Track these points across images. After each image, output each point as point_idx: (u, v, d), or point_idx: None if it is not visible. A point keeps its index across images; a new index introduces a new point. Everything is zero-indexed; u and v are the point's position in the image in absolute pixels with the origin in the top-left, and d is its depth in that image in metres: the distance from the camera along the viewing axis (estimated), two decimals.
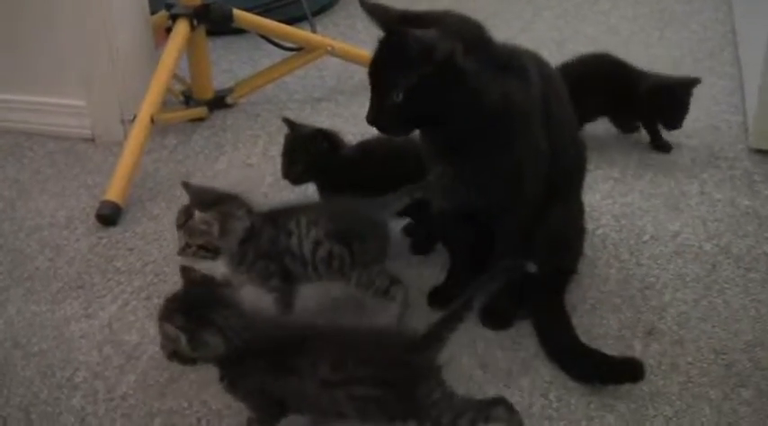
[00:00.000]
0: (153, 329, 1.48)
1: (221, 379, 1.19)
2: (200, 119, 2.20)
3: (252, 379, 1.17)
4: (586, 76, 1.88)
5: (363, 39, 2.38)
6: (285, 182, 1.64)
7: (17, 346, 1.48)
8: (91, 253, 1.70)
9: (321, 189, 1.65)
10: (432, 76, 1.25)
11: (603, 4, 2.87)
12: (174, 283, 1.56)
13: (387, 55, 1.29)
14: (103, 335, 1.49)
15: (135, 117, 1.97)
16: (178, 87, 2.26)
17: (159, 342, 1.17)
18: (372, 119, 1.31)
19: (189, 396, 1.35)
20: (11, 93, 2.19)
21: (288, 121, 1.64)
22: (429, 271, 1.58)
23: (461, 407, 1.14)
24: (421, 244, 1.66)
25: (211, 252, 1.39)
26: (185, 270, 1.20)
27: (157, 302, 1.51)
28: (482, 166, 1.35)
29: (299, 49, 2.33)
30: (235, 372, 1.18)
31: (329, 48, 2.30)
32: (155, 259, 1.67)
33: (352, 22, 2.71)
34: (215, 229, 1.35)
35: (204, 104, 2.22)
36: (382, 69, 1.30)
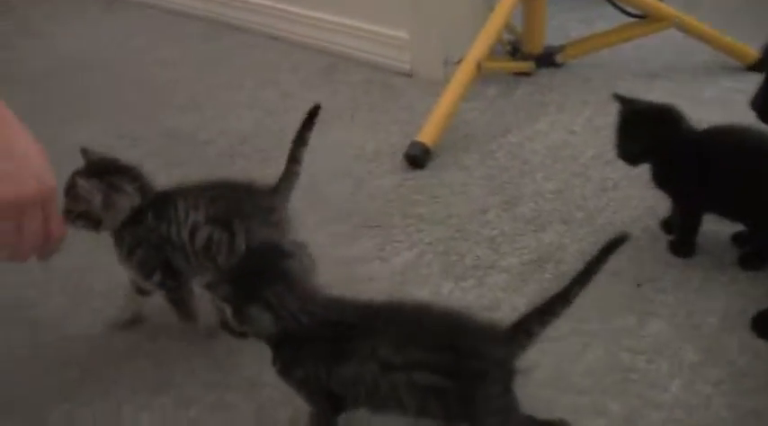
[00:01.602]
0: (446, 287, 1.36)
1: (274, 363, 1.04)
2: (525, 74, 2.06)
3: (307, 366, 1.02)
4: None
5: (708, 16, 2.12)
6: (607, 159, 1.46)
7: None
8: (393, 193, 1.60)
9: (656, 174, 1.45)
10: None
11: None
12: (475, 242, 1.45)
13: None
14: (393, 283, 1.39)
15: (460, 60, 1.85)
16: (507, 37, 2.12)
17: None
18: (759, 105, 1.11)
19: None
20: (335, 14, 2.14)
21: (620, 98, 1.44)
22: (759, 291, 1.36)
23: (519, 422, 0.98)
24: (753, 257, 1.43)
25: (92, 222, 1.22)
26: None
27: (455, 259, 1.41)
28: None
29: (641, 17, 2.12)
30: (288, 356, 1.03)
31: (676, 20, 2.08)
32: (458, 212, 1.55)
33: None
34: (97, 199, 1.20)
35: (532, 59, 2.07)
36: None
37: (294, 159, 1.28)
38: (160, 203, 1.23)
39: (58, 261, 1.31)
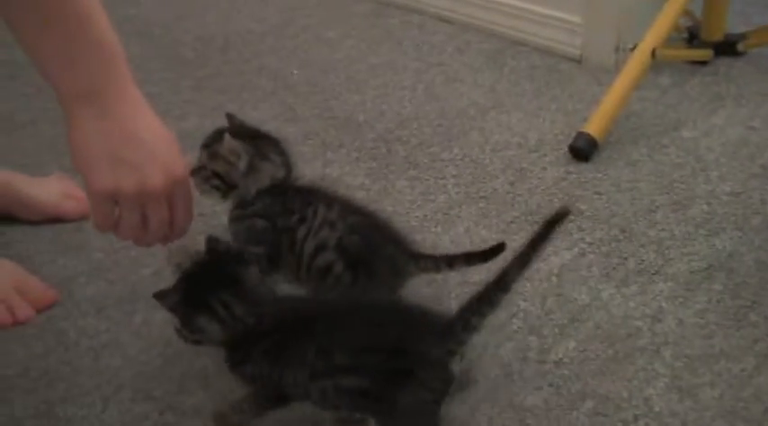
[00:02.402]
0: (606, 292, 1.29)
1: (225, 360, 1.02)
2: (702, 63, 1.93)
3: (253, 366, 1.01)
4: None
5: None
6: None
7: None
8: (555, 187, 1.53)
9: None
10: None
11: None
12: (641, 245, 1.37)
13: None
14: (550, 284, 1.32)
15: (633, 46, 1.75)
16: (684, 23, 2.00)
17: None
18: None
19: (630, 385, 1.14)
20: None
21: None
22: None
23: None
24: None
25: (224, 186, 1.17)
26: (210, 241, 1.02)
27: (617, 262, 1.33)
28: None
29: None
30: (237, 356, 1.02)
31: None
32: (624, 211, 1.46)
33: None
34: (242, 162, 1.15)
35: (710, 47, 1.94)
36: None
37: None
38: (304, 194, 1.19)
39: None
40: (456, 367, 0.96)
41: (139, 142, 1.02)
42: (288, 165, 1.21)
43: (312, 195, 1.19)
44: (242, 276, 1.01)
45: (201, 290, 1.00)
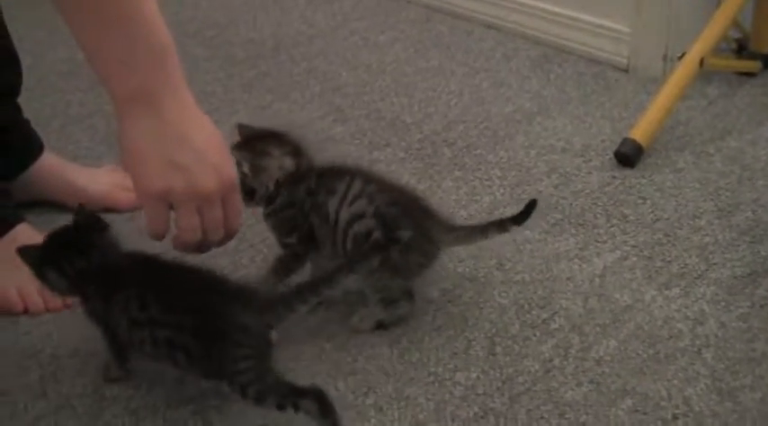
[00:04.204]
0: (648, 294, 1.30)
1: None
2: (750, 74, 1.93)
3: (90, 304, 1.14)
4: None
5: None
6: None
7: (501, 268, 1.37)
8: (600, 191, 1.54)
9: None
10: None
11: None
12: (684, 249, 1.37)
13: None
14: (592, 285, 1.33)
15: (682, 55, 1.75)
16: (733, 34, 2.00)
17: None
18: None
19: (670, 385, 1.15)
20: (555, 4, 2.08)
21: None
22: None
23: (271, 385, 1.05)
24: None
25: (246, 193, 1.22)
26: (78, 211, 1.15)
27: (660, 266, 1.34)
28: None
29: None
30: (87, 306, 1.15)
31: None
32: (668, 216, 1.47)
33: None
34: (246, 168, 1.20)
35: (759, 58, 1.94)
36: None
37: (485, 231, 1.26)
38: (334, 174, 1.24)
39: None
40: None
41: (190, 144, 1.04)
42: (296, 153, 1.25)
43: (344, 171, 1.24)
44: (94, 238, 1.14)
45: (55, 249, 1.14)
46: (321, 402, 1.05)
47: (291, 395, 1.05)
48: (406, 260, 1.21)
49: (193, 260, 1.14)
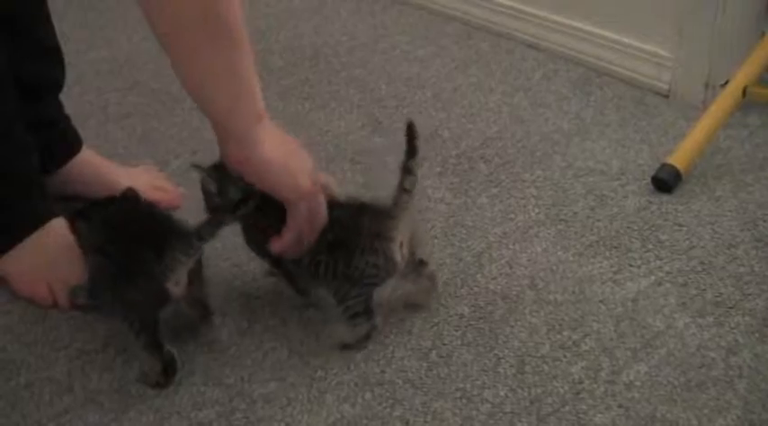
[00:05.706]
0: (681, 321, 1.28)
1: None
2: None
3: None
4: None
5: None
6: None
7: (533, 287, 1.36)
8: (636, 216, 1.53)
9: None
10: None
11: None
12: (719, 278, 1.36)
13: None
14: (625, 308, 1.32)
15: (725, 82, 1.74)
16: None
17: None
18: None
19: (701, 414, 1.14)
20: (597, 26, 2.07)
21: None
22: None
23: None
24: None
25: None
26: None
27: (694, 294, 1.33)
28: None
29: None
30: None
31: None
32: (704, 244, 1.45)
33: None
34: (212, 187, 1.25)
35: None
36: None
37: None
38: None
39: None
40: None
41: (295, 151, 1.18)
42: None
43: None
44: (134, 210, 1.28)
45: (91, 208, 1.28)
46: None
47: None
48: (358, 262, 1.20)
49: None
